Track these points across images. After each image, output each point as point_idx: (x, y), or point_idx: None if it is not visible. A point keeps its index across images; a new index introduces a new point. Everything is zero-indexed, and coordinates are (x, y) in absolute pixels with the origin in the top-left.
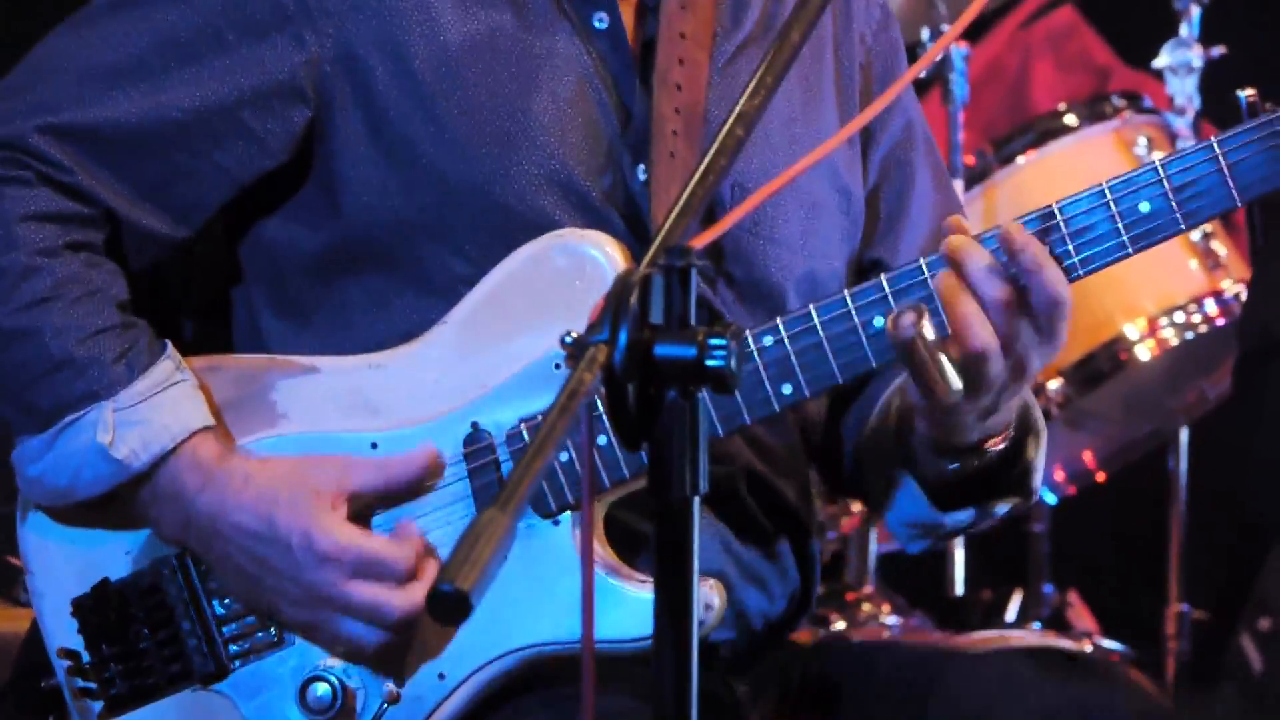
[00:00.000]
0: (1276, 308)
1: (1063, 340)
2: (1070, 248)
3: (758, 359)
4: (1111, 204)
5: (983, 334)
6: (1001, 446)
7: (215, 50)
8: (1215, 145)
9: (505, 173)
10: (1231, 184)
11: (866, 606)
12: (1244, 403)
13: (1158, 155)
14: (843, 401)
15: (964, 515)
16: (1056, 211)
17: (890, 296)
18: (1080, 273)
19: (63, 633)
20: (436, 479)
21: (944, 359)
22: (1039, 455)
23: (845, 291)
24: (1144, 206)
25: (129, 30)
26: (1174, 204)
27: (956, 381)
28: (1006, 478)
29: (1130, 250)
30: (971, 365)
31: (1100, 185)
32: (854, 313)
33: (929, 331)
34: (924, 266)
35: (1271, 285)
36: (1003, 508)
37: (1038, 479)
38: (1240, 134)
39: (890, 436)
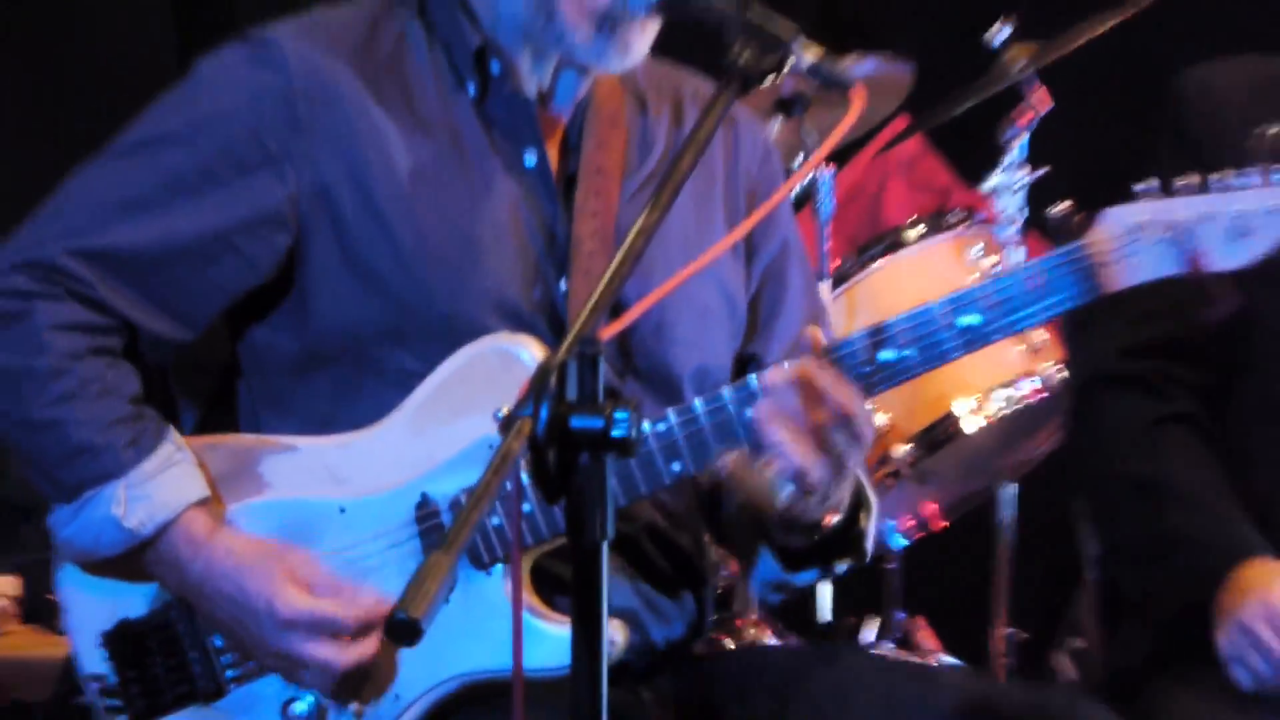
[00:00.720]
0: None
1: (870, 440)
2: (906, 352)
3: (652, 443)
4: (941, 318)
5: (797, 454)
6: (837, 520)
7: (211, 186)
8: (1032, 267)
9: (450, 288)
10: (1043, 302)
11: (752, 631)
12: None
13: (989, 260)
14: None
15: (810, 574)
16: (904, 320)
17: (758, 392)
18: (918, 373)
19: (92, 661)
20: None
21: (770, 475)
22: (870, 523)
23: (724, 388)
24: (973, 319)
25: (141, 170)
26: (993, 319)
27: (782, 493)
28: (844, 543)
29: (962, 353)
30: (793, 478)
31: (928, 304)
32: (729, 406)
33: (748, 463)
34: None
35: (1079, 362)
36: (841, 566)
37: (869, 542)
38: (1052, 258)
39: (748, 515)
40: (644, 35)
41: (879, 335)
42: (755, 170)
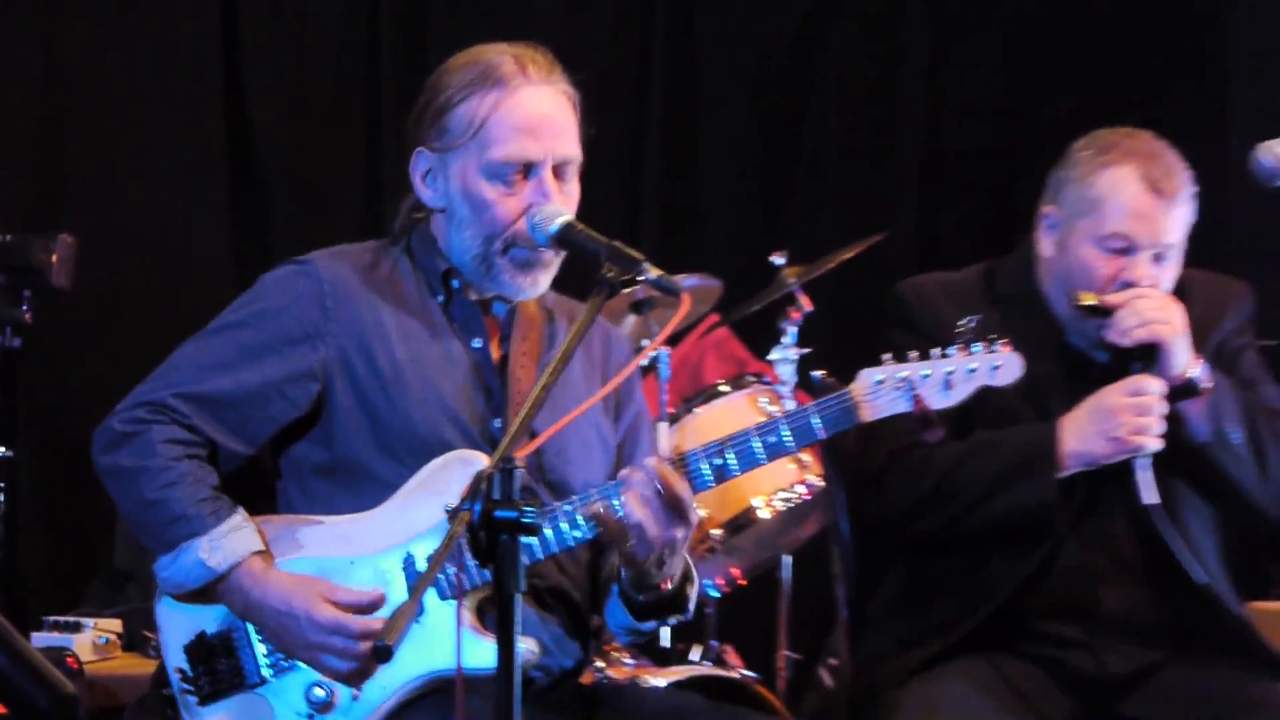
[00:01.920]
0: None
1: (695, 522)
2: (719, 463)
3: (559, 517)
4: (755, 437)
5: (650, 527)
6: (670, 587)
7: (269, 354)
8: (819, 404)
9: (427, 423)
10: (824, 426)
11: (615, 654)
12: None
13: (774, 408)
14: (603, 549)
15: (652, 624)
16: (701, 451)
17: (610, 493)
18: (735, 472)
19: (177, 659)
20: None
21: (630, 542)
22: (693, 591)
23: (606, 484)
24: (771, 437)
25: (223, 344)
26: (787, 435)
27: (637, 556)
28: (675, 604)
29: (766, 461)
30: (645, 543)
31: (740, 433)
32: (609, 492)
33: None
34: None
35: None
36: (673, 620)
37: (692, 604)
38: (830, 399)
39: (614, 575)
40: (547, 275)
41: (710, 449)
42: (619, 360)
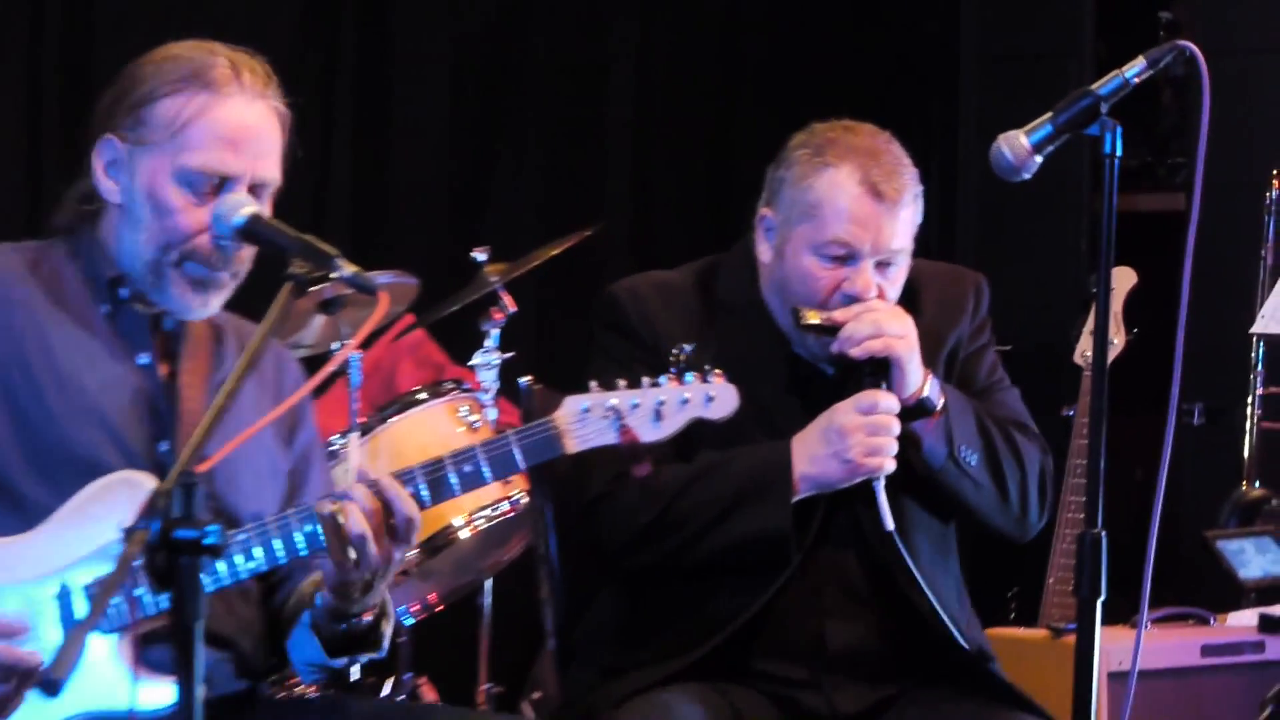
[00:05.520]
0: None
1: (412, 542)
2: (420, 489)
3: (234, 547)
4: (450, 468)
5: (368, 544)
6: (369, 619)
7: None
8: (520, 432)
9: (86, 442)
10: (524, 457)
11: (299, 688)
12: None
13: (473, 417)
14: (280, 581)
15: (342, 661)
16: (419, 470)
17: (296, 520)
18: (429, 504)
19: None
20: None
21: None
22: (388, 627)
23: (288, 510)
24: (467, 468)
25: None
26: (485, 467)
27: (353, 553)
28: (370, 639)
29: (460, 494)
30: (357, 548)
31: (443, 456)
32: (289, 519)
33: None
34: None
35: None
36: (363, 657)
37: (387, 640)
38: (532, 428)
39: (303, 606)
40: (220, 297)
41: (403, 476)
42: (292, 383)
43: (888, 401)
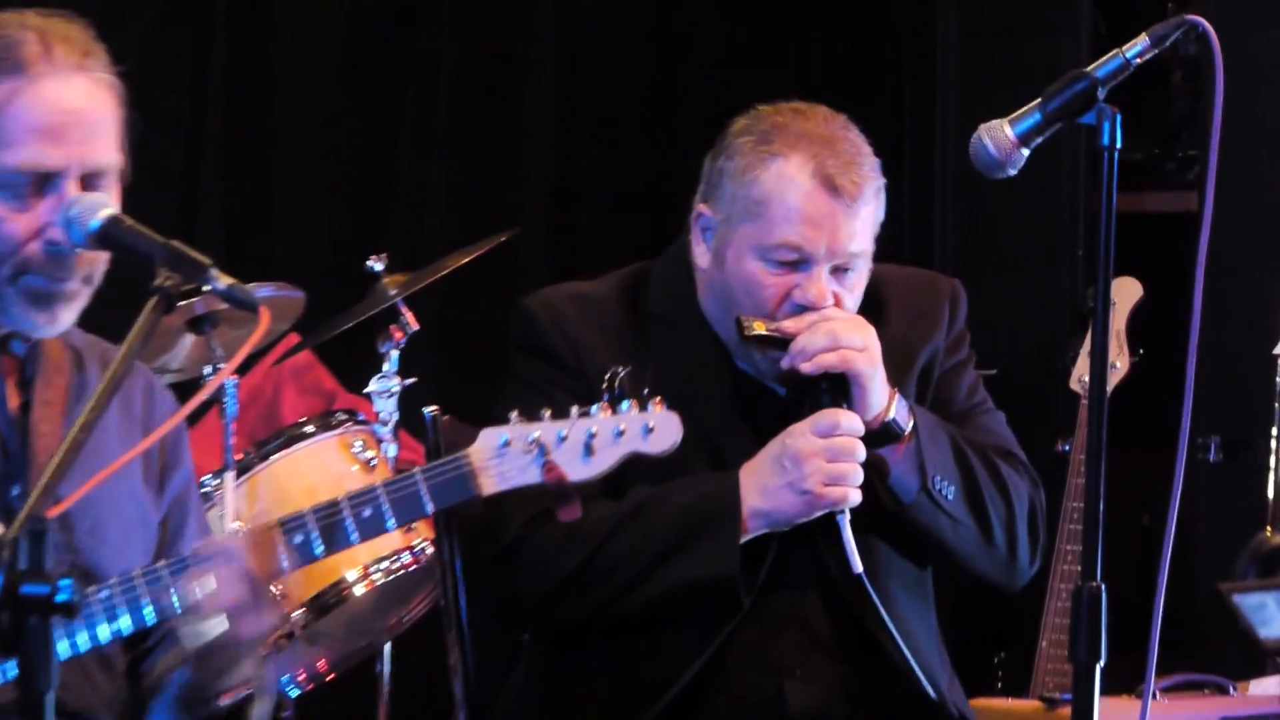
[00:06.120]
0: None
1: (277, 609)
2: (299, 541)
3: (94, 605)
4: (348, 513)
5: (241, 603)
6: (235, 699)
7: None
8: (427, 471)
9: None
10: (434, 499)
11: None
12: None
13: (369, 453)
14: (149, 649)
15: None
16: (311, 515)
17: (169, 575)
18: (322, 555)
19: None
20: None
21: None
22: (265, 705)
23: (159, 563)
24: (367, 512)
25: None
26: (387, 511)
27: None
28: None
29: (359, 542)
30: (231, 617)
31: (339, 499)
32: (161, 572)
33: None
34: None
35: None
36: None
37: None
38: (442, 465)
39: (168, 678)
40: (71, 310)
41: (289, 525)
42: (164, 416)
43: (850, 422)
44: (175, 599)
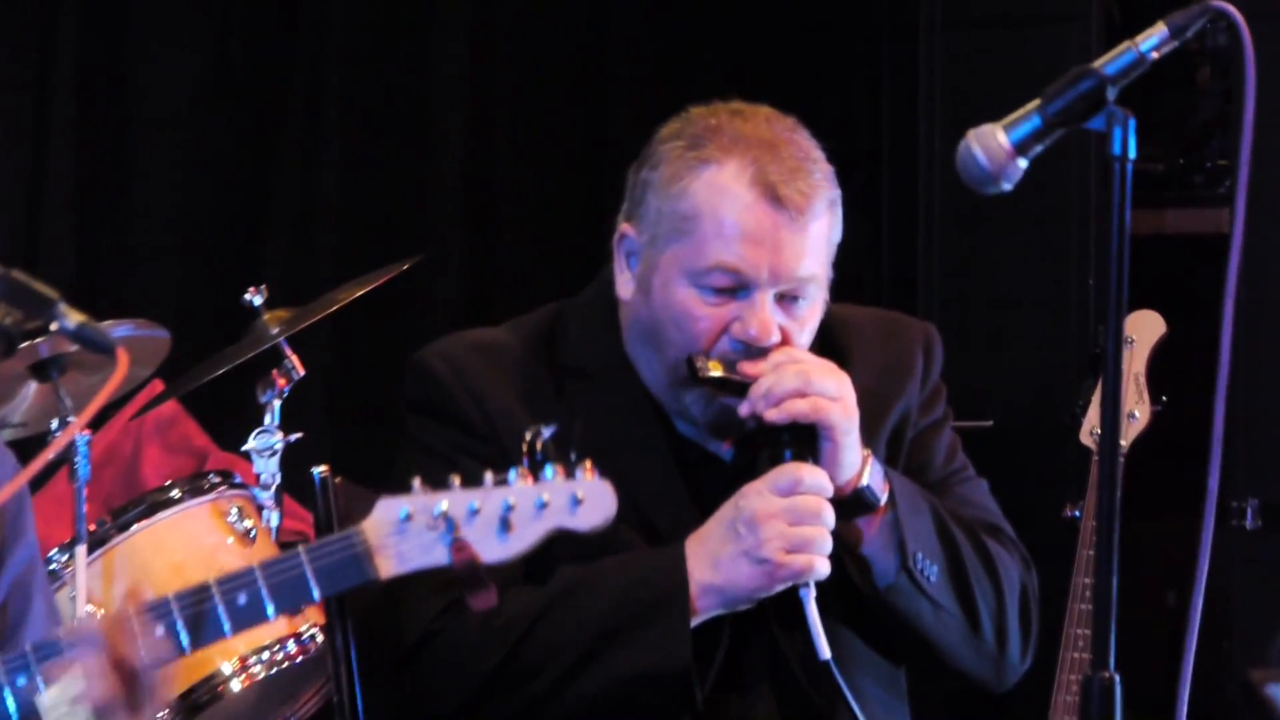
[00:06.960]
0: None
1: (163, 700)
2: (177, 628)
3: None
4: (219, 599)
5: (119, 706)
6: None
7: None
8: (313, 550)
9: None
10: (314, 583)
11: None
12: None
13: (247, 523)
14: None
15: None
16: (175, 601)
17: (5, 673)
18: (189, 649)
19: None
20: None
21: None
22: None
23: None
24: (242, 599)
25: None
26: (267, 598)
27: None
28: None
29: (232, 635)
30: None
31: (209, 582)
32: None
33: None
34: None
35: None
36: None
37: None
38: (331, 542)
39: None
40: None
41: (151, 613)
42: (2, 479)
43: (815, 479)
44: (10, 700)
